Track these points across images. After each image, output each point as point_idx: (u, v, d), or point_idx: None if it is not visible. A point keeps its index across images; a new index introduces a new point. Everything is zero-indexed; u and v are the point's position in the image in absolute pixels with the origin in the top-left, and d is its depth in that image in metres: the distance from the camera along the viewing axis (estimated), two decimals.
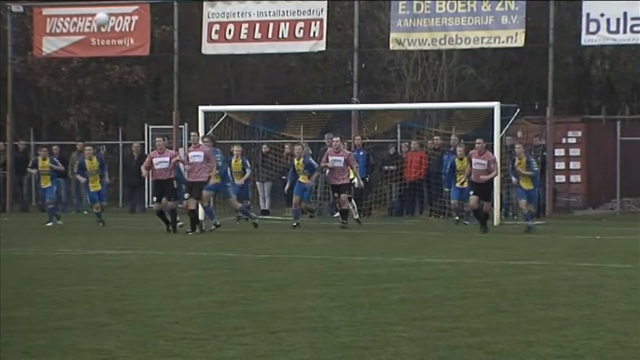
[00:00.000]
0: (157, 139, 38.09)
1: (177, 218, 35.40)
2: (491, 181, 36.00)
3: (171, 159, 35.10)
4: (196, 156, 35.07)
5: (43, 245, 30.12)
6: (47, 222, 39.66)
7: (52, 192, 40.85)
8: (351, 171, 38.72)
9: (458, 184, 39.60)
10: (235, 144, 43.29)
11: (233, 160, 40.77)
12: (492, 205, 37.02)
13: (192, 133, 38.82)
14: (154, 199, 35.89)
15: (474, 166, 35.57)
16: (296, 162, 38.48)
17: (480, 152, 35.79)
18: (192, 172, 34.77)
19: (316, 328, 15.10)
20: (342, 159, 38.04)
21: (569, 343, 13.94)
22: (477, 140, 36.79)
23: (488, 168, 35.44)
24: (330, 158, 38.10)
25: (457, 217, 40.74)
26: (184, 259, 26.26)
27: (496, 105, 41.93)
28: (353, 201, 40.04)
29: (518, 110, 43.51)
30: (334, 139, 39.36)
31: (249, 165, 41.44)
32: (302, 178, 38.12)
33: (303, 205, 38.90)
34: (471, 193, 35.91)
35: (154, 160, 35.27)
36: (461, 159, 39.33)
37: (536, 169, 36.16)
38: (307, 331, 14.85)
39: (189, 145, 37.53)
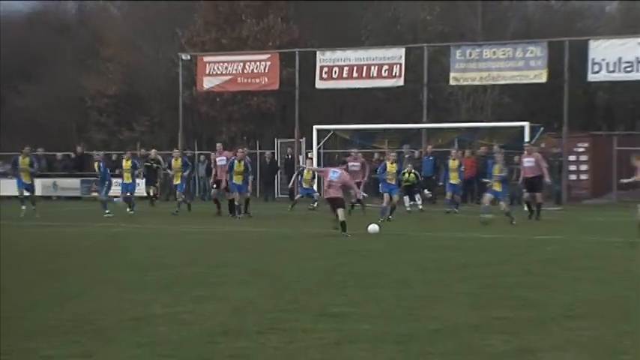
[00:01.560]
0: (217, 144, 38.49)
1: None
2: (539, 175, 33.65)
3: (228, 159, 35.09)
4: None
5: (205, 224, 30.36)
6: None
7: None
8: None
9: (451, 181, 38.87)
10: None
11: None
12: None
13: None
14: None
15: (525, 164, 33.90)
16: (389, 165, 35.74)
17: (528, 153, 34.28)
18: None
19: (398, 284, 15.12)
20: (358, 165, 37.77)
21: (579, 295, 13.87)
22: (525, 144, 36.11)
23: (537, 165, 33.69)
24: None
25: (448, 210, 38.34)
26: (303, 233, 26.33)
27: (526, 124, 41.88)
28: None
29: (541, 128, 43.30)
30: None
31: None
32: (391, 179, 35.80)
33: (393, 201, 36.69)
34: (524, 189, 34.09)
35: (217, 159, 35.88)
36: (454, 159, 38.75)
37: (503, 174, 31.63)
38: (391, 286, 14.86)
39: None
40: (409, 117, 53.41)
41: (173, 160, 37.91)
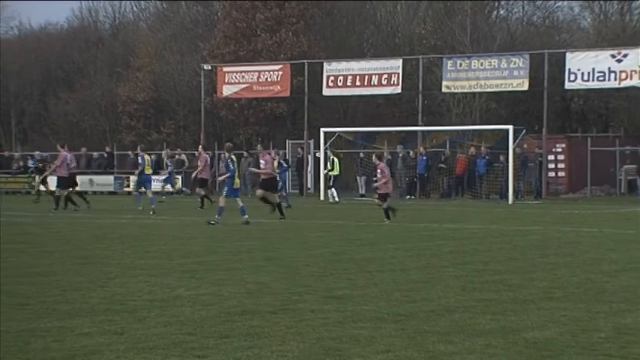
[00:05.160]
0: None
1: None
2: (274, 177, 30.06)
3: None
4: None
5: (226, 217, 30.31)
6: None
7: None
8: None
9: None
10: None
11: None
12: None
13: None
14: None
15: (261, 166, 29.85)
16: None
17: (262, 155, 30.64)
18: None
19: (396, 269, 15.11)
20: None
21: (558, 279, 13.85)
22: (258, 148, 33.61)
23: (269, 166, 29.71)
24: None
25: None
26: (311, 224, 26.31)
27: (510, 127, 41.78)
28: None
29: (524, 131, 43.26)
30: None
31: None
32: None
33: None
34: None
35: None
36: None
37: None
38: (390, 271, 14.86)
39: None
40: (406, 120, 53.37)
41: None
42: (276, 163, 35.67)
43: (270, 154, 31.88)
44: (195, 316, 10.52)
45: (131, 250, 18.41)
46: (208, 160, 37.05)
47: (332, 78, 50.09)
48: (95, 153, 55.06)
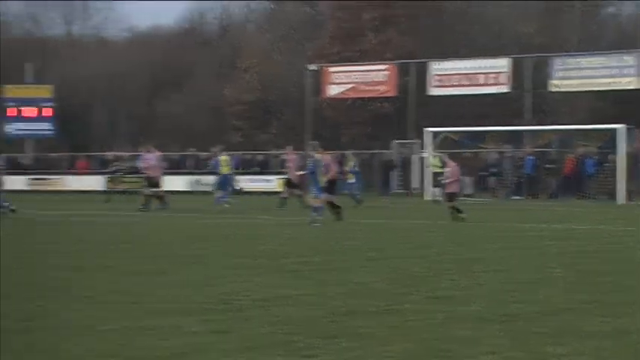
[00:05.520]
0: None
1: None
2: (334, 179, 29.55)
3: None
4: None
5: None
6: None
7: None
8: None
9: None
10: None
11: None
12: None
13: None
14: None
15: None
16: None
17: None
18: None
19: (500, 269, 14.95)
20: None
21: None
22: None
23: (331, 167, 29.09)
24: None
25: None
26: (414, 224, 26.15)
27: (622, 126, 41.25)
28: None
29: (636, 130, 42.74)
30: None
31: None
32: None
33: None
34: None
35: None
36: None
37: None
38: (494, 271, 14.70)
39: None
40: (512, 120, 52.86)
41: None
42: (352, 164, 36.25)
43: (329, 155, 31.54)
44: (299, 315, 10.54)
45: (234, 249, 18.57)
46: (297, 160, 37.27)
47: (437, 77, 49.95)
48: (203, 153, 55.78)
